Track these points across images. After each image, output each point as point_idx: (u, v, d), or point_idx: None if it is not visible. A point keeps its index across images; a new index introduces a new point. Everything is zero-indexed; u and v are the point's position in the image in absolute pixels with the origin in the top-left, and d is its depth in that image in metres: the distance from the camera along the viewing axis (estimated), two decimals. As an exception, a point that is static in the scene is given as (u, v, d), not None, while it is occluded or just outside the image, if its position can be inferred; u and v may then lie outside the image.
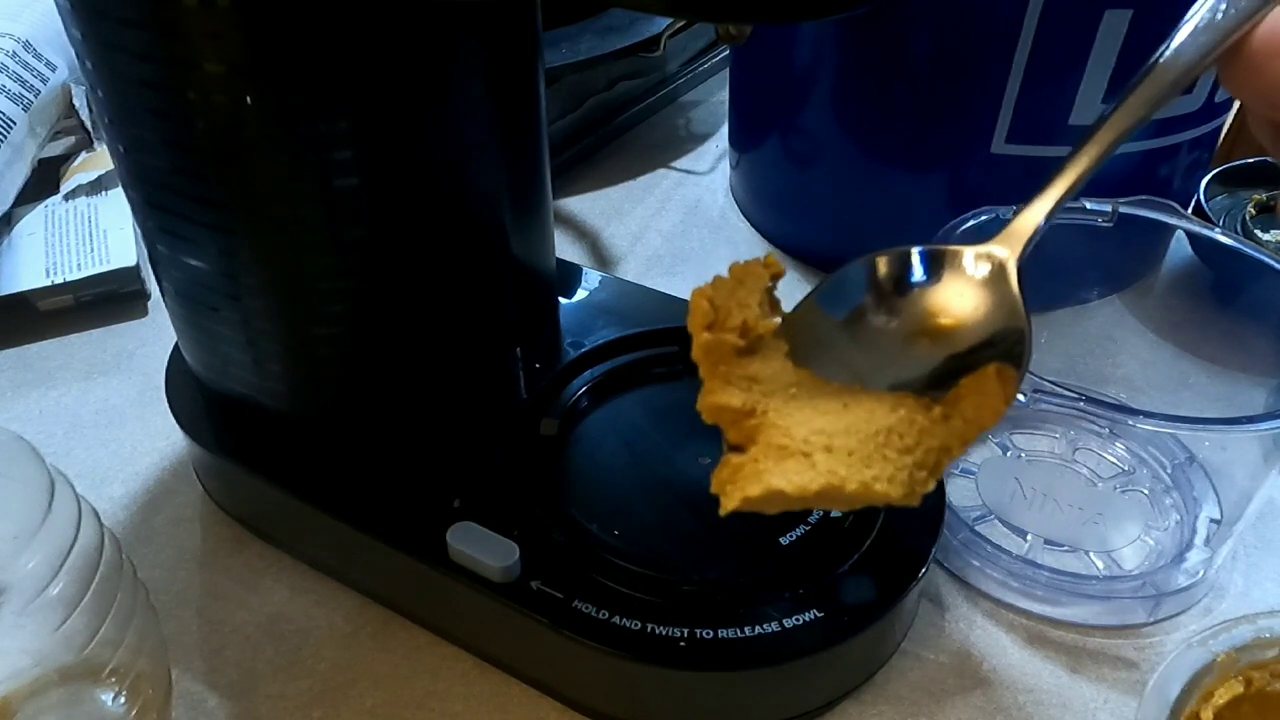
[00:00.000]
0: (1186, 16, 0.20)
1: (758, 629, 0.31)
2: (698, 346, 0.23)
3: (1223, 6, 0.19)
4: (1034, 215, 0.23)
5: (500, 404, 0.38)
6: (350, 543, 0.35)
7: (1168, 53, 0.21)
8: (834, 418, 0.23)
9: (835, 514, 0.34)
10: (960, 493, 0.39)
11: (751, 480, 0.22)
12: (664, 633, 0.30)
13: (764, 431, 0.23)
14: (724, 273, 0.24)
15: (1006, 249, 0.23)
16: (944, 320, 0.24)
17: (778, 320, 0.24)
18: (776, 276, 0.25)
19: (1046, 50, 0.41)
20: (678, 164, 0.63)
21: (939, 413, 0.23)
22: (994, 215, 0.39)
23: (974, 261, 0.24)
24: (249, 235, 0.32)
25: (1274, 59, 0.19)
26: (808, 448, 0.22)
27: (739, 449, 0.23)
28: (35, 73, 0.52)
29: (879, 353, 0.24)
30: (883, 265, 0.24)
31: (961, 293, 0.24)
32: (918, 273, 0.24)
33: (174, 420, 0.39)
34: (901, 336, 0.24)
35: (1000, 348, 0.23)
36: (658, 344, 0.40)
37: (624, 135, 0.66)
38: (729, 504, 0.22)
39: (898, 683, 0.34)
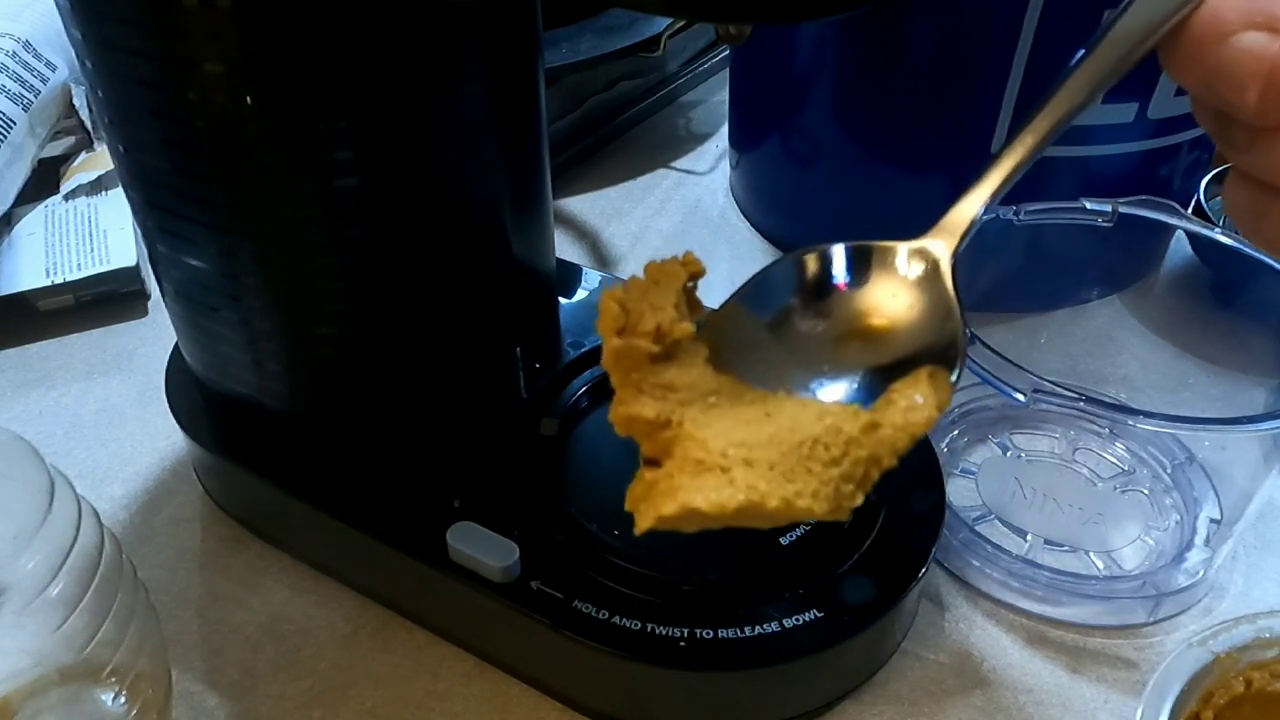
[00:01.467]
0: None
1: (758, 629, 0.31)
2: (608, 353, 0.22)
3: None
4: (969, 208, 0.22)
5: (500, 404, 0.38)
6: (350, 543, 0.35)
7: (1107, 38, 0.20)
8: (755, 428, 0.21)
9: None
10: (960, 493, 0.39)
11: (666, 497, 0.20)
12: (664, 633, 0.30)
13: (680, 444, 0.21)
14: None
15: (941, 243, 0.22)
16: (875, 321, 0.23)
17: (694, 324, 0.22)
18: (695, 276, 0.23)
19: (1046, 50, 0.41)
20: (678, 164, 0.63)
21: (867, 421, 0.21)
22: (994, 215, 0.39)
23: (906, 260, 0.23)
24: (249, 235, 0.32)
25: (1212, 44, 0.18)
26: (726, 462, 0.21)
27: (654, 463, 0.21)
28: (35, 73, 0.52)
29: (806, 356, 0.23)
30: (810, 264, 0.23)
31: (894, 293, 0.23)
32: (847, 272, 0.23)
33: (174, 420, 0.39)
34: (830, 339, 0.23)
35: (934, 350, 0.22)
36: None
37: (624, 135, 0.66)
38: (643, 523, 0.20)
39: (898, 683, 0.34)
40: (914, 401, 0.21)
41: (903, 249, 0.23)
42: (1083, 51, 0.20)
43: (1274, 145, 0.18)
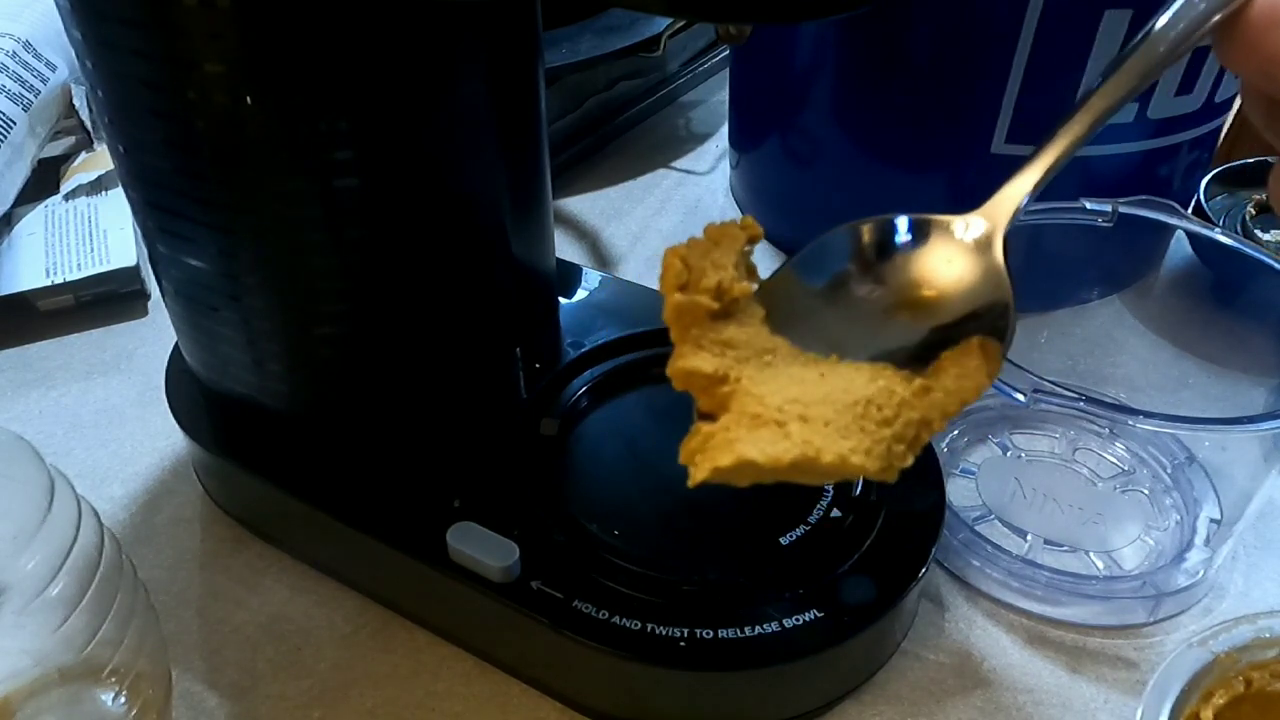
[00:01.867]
0: None
1: (758, 629, 0.31)
2: (669, 308, 0.22)
3: None
4: (1020, 186, 0.22)
5: (500, 404, 0.38)
6: (350, 543, 0.35)
7: (1161, 23, 0.20)
8: (810, 387, 0.22)
9: (835, 514, 0.34)
10: (960, 493, 0.39)
11: (722, 450, 0.20)
12: (664, 633, 0.30)
13: (737, 399, 0.21)
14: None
15: (995, 217, 0.23)
16: (927, 291, 0.23)
17: (754, 285, 0.23)
18: (754, 239, 0.24)
19: (1046, 50, 0.41)
20: (678, 164, 0.63)
21: (920, 385, 0.22)
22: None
23: (961, 230, 0.23)
24: (249, 235, 0.32)
25: (1272, 30, 0.18)
26: (782, 417, 0.21)
27: (710, 417, 0.21)
28: (35, 73, 0.52)
29: (858, 323, 0.23)
30: (866, 232, 0.23)
31: (948, 261, 0.23)
32: (902, 239, 0.23)
33: (174, 420, 0.39)
34: (882, 307, 0.23)
35: (984, 320, 0.22)
36: (658, 344, 0.40)
37: (624, 135, 0.66)
38: (698, 474, 0.21)
39: (898, 683, 0.34)
40: (966, 368, 0.22)
41: (958, 220, 0.23)
42: (1141, 34, 0.20)
43: None
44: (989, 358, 0.22)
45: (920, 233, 0.23)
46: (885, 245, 0.23)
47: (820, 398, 0.21)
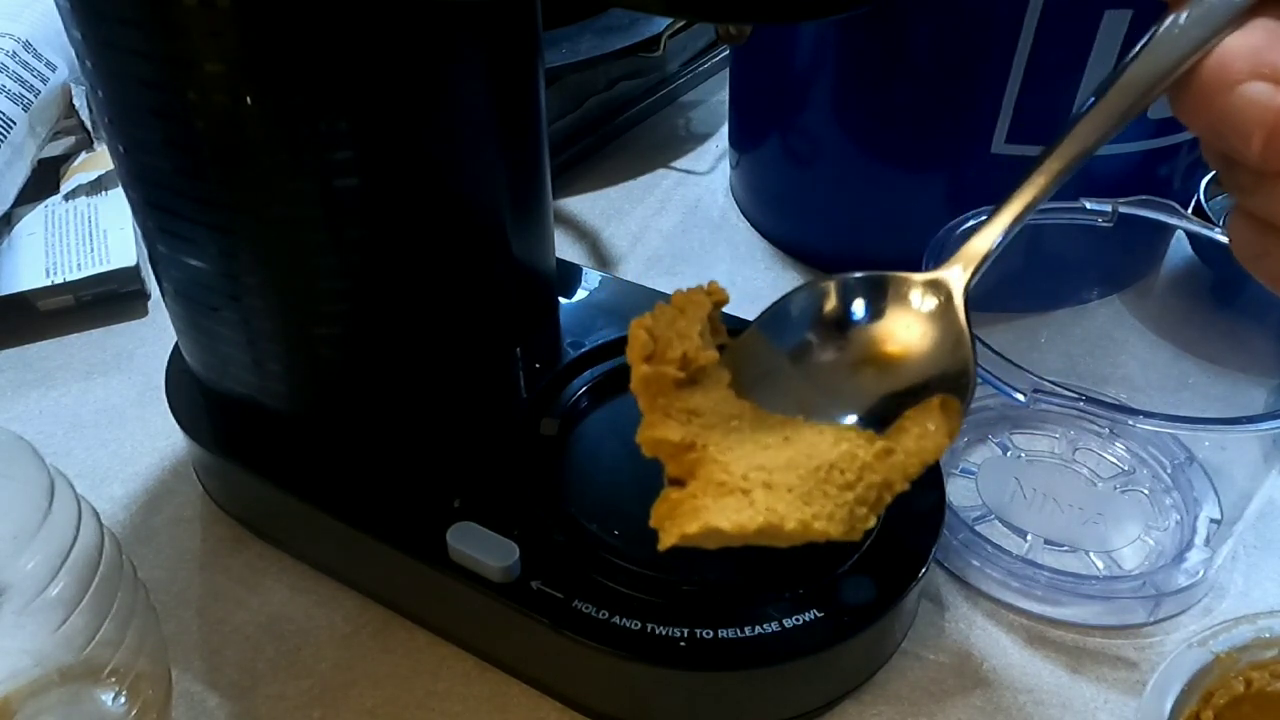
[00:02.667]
0: (1141, 43, 0.20)
1: (758, 629, 0.31)
2: (636, 379, 0.23)
3: (1175, 34, 0.19)
4: (987, 239, 0.23)
5: (500, 404, 0.38)
6: (350, 543, 0.35)
7: (1121, 78, 0.20)
8: (775, 452, 0.22)
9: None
10: (960, 493, 0.39)
11: (689, 517, 0.21)
12: (664, 633, 0.30)
13: (704, 466, 0.22)
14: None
15: (956, 275, 0.23)
16: (890, 349, 0.23)
17: (718, 352, 0.24)
18: (719, 304, 0.24)
19: (1046, 50, 0.41)
20: (678, 164, 0.63)
21: (881, 447, 0.22)
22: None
23: (921, 293, 0.23)
24: (249, 235, 0.32)
25: (1219, 92, 0.19)
26: (747, 484, 0.22)
27: (679, 482, 0.22)
28: (35, 73, 0.52)
29: (823, 383, 0.24)
30: (827, 294, 0.24)
31: (908, 325, 0.23)
32: (865, 303, 0.24)
33: (174, 420, 0.39)
34: (846, 367, 0.24)
35: (946, 379, 0.23)
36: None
37: (624, 135, 0.66)
38: (667, 540, 0.21)
39: (898, 683, 0.34)
40: (926, 429, 0.22)
41: (918, 280, 0.23)
42: (1093, 98, 0.21)
43: (1276, 189, 0.19)
44: (949, 416, 0.22)
45: (881, 293, 0.24)
46: (847, 308, 0.24)
47: (784, 463, 0.22)
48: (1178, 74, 0.19)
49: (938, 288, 0.23)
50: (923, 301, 0.23)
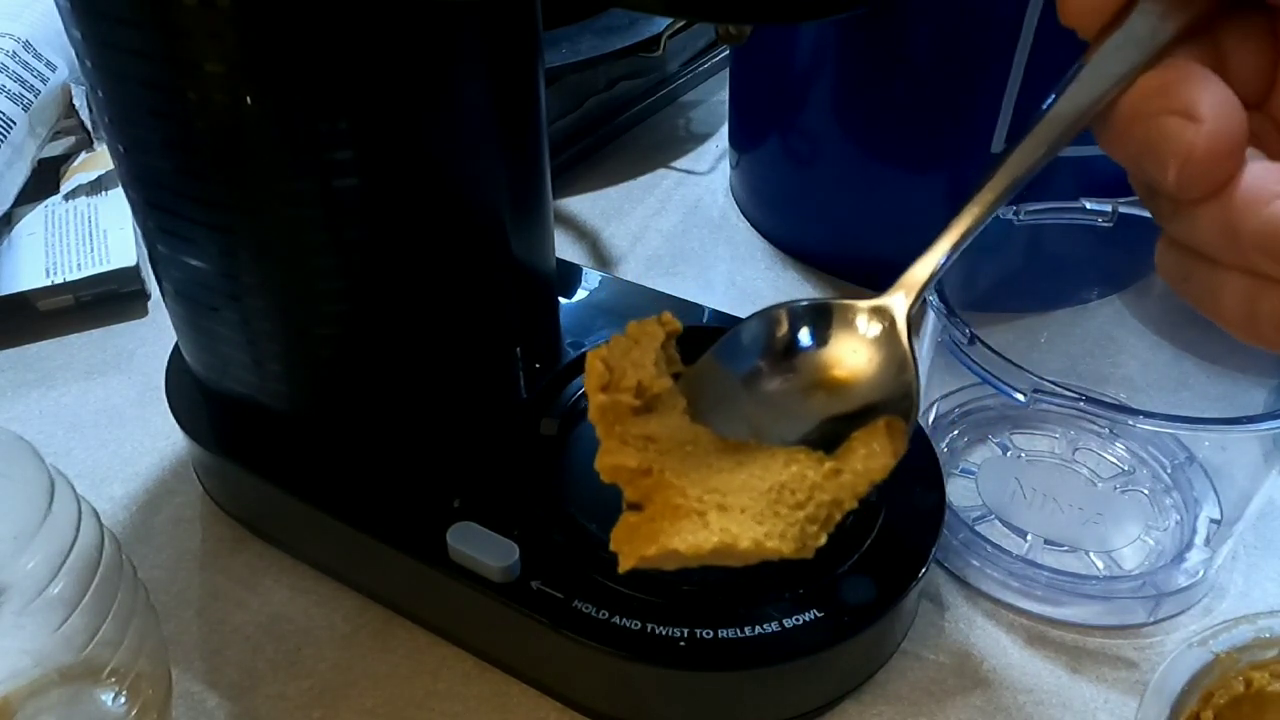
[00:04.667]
0: (1065, 79, 0.21)
1: (758, 629, 0.31)
2: (593, 408, 0.24)
3: (1097, 72, 0.20)
4: (925, 267, 0.24)
5: (500, 404, 0.38)
6: (350, 543, 0.35)
7: (1049, 113, 0.21)
8: (728, 475, 0.23)
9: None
10: (960, 493, 0.39)
11: (647, 540, 0.22)
12: (664, 633, 0.30)
13: (660, 491, 0.23)
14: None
15: (899, 301, 0.24)
16: (837, 373, 0.24)
17: (672, 380, 0.25)
18: (673, 334, 0.25)
19: (1046, 50, 0.41)
20: (678, 164, 0.63)
21: (830, 467, 0.23)
22: (994, 216, 0.39)
23: (866, 319, 0.24)
24: (249, 235, 0.32)
25: (1137, 123, 0.20)
26: (701, 506, 0.23)
27: (637, 507, 0.23)
28: (35, 73, 0.52)
29: (774, 408, 0.25)
30: (776, 323, 0.25)
31: (854, 350, 0.24)
32: (811, 331, 0.25)
33: (174, 420, 0.39)
34: (795, 391, 0.25)
35: (891, 401, 0.24)
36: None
37: (624, 135, 0.66)
38: (626, 563, 0.23)
39: (898, 683, 0.34)
40: (873, 449, 0.23)
41: (863, 307, 0.25)
42: (1030, 123, 0.22)
43: (1193, 217, 0.19)
44: (894, 437, 0.23)
45: (826, 323, 0.25)
46: (795, 336, 0.25)
47: (737, 485, 0.23)
48: (1100, 108, 0.20)
49: (882, 314, 0.24)
50: (868, 328, 0.24)
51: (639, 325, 0.25)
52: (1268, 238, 0.18)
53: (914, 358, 0.24)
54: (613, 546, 0.23)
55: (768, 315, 0.25)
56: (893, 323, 0.24)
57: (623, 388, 0.24)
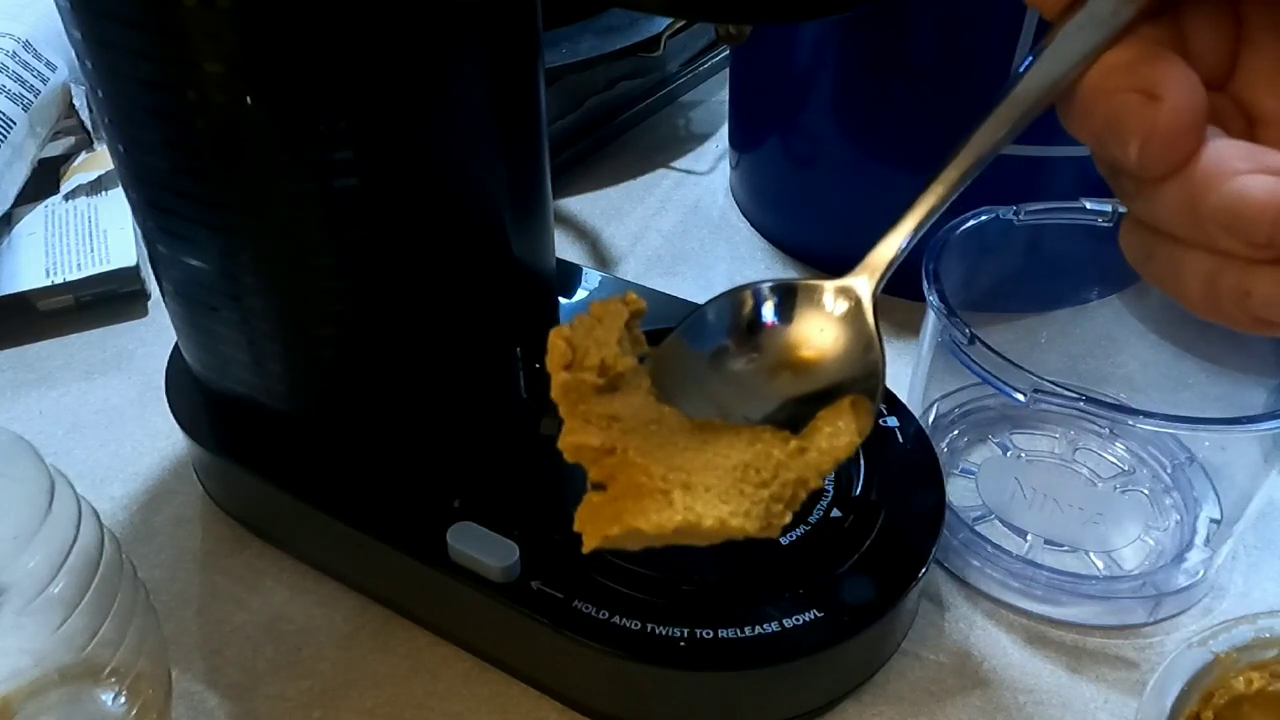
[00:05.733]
0: (1028, 58, 0.21)
1: (758, 629, 0.31)
2: (556, 386, 0.24)
3: (1060, 51, 0.20)
4: (889, 248, 0.24)
5: (500, 404, 0.38)
6: (350, 543, 0.35)
7: (1012, 92, 0.22)
8: (692, 454, 0.23)
9: (836, 514, 0.34)
10: (960, 493, 0.39)
11: (610, 519, 0.22)
12: (664, 633, 0.30)
13: (624, 470, 0.23)
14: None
15: (864, 282, 0.24)
16: (804, 353, 0.24)
17: (636, 360, 0.24)
18: (637, 314, 0.25)
19: (1046, 50, 0.41)
20: (678, 164, 0.63)
21: (795, 446, 0.23)
22: (994, 215, 0.39)
23: (833, 297, 0.24)
24: (249, 235, 0.32)
25: (1099, 102, 0.20)
26: (665, 485, 0.22)
27: (600, 487, 0.23)
28: (35, 73, 0.52)
29: (740, 387, 0.25)
30: (743, 302, 0.25)
31: (820, 328, 0.24)
32: (776, 310, 0.25)
33: (174, 420, 0.39)
34: (762, 371, 0.25)
35: (857, 380, 0.24)
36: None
37: (624, 135, 0.66)
38: (590, 543, 0.22)
39: (898, 683, 0.34)
40: (838, 427, 0.23)
41: (829, 287, 0.25)
42: (992, 102, 0.22)
43: (1155, 195, 0.20)
44: (860, 415, 0.23)
45: (791, 301, 0.25)
46: (760, 315, 0.25)
47: (702, 464, 0.23)
48: (1063, 86, 0.20)
49: (847, 294, 0.24)
50: (834, 305, 0.24)
51: (602, 304, 0.25)
52: (1228, 213, 0.18)
53: (879, 337, 0.24)
54: (576, 527, 0.23)
55: (734, 295, 0.25)
56: (858, 302, 0.24)
57: (586, 366, 0.24)
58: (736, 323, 0.25)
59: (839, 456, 0.23)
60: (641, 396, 0.24)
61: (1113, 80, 0.20)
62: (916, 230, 0.23)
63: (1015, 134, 0.22)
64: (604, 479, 0.23)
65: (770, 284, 0.25)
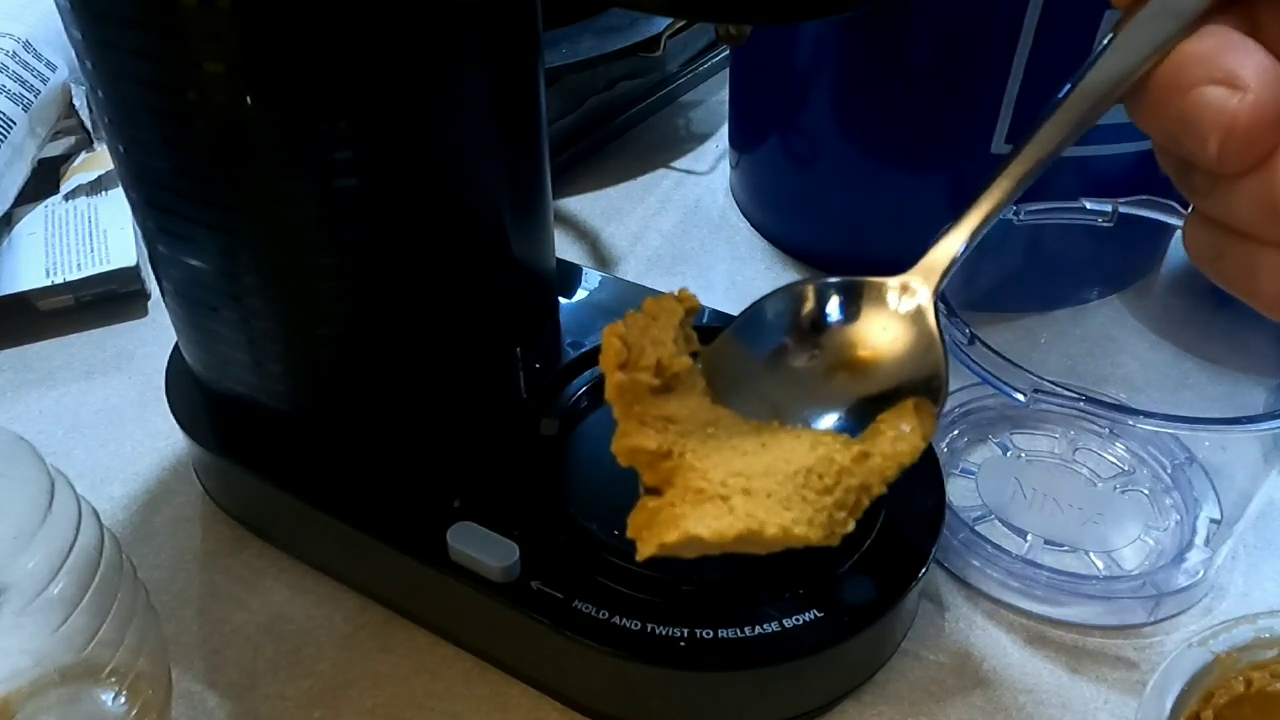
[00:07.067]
0: (1097, 50, 0.20)
1: (758, 629, 0.31)
2: (611, 387, 0.22)
3: (1130, 42, 0.20)
4: (950, 247, 0.23)
5: (500, 404, 0.38)
6: (350, 543, 0.35)
7: (1078, 88, 0.21)
8: (752, 458, 0.22)
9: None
10: (960, 493, 0.39)
11: (668, 526, 0.21)
12: (664, 633, 0.30)
13: (681, 474, 0.22)
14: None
15: (924, 282, 0.23)
16: (863, 352, 0.24)
17: (692, 358, 0.23)
18: (691, 311, 0.24)
19: (1046, 50, 0.41)
20: (678, 164, 0.63)
21: (858, 450, 0.22)
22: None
23: (897, 296, 0.24)
24: (249, 235, 0.32)
25: (1174, 95, 0.19)
26: (725, 491, 0.21)
27: (655, 491, 0.22)
28: (35, 73, 0.52)
29: (798, 387, 0.24)
30: (803, 298, 0.24)
31: (884, 327, 0.24)
32: (840, 306, 0.24)
33: (174, 420, 0.39)
34: (820, 371, 0.24)
35: (919, 382, 0.23)
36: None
37: (624, 135, 0.66)
38: (645, 550, 0.21)
39: (898, 683, 0.34)
40: (901, 431, 0.22)
41: (893, 284, 0.24)
42: (1057, 98, 0.21)
43: (1232, 192, 0.19)
44: (923, 419, 0.23)
45: (855, 298, 0.24)
46: (822, 312, 0.24)
47: (762, 469, 0.22)
48: (1133, 79, 0.20)
49: (909, 293, 0.23)
50: (899, 303, 0.24)
51: (656, 301, 0.24)
52: None
53: (941, 337, 0.23)
54: (630, 533, 0.22)
55: (793, 291, 0.24)
56: (920, 302, 0.23)
57: (641, 366, 0.22)
58: (797, 320, 0.24)
59: (903, 461, 0.22)
60: (697, 398, 0.23)
61: (1190, 72, 0.19)
62: (979, 229, 0.23)
63: (1081, 130, 0.21)
64: (659, 483, 0.22)
65: (832, 280, 0.24)
